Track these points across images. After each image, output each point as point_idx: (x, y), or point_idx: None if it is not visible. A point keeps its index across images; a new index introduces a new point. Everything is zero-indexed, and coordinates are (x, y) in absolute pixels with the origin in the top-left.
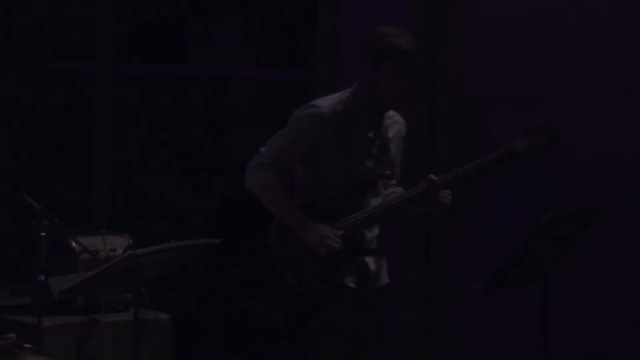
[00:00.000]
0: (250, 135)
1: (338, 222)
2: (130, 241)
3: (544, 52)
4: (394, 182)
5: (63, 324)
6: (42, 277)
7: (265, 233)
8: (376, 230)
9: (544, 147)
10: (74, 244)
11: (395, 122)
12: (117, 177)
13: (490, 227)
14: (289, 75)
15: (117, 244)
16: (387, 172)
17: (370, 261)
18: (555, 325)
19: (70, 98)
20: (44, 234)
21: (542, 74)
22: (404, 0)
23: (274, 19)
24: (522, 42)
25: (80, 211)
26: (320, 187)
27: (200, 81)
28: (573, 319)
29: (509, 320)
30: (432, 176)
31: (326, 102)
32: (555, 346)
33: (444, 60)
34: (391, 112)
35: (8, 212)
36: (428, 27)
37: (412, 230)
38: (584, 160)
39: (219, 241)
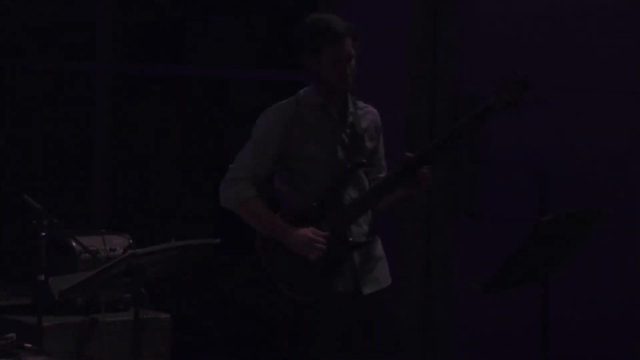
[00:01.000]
0: (251, 135)
1: (322, 223)
2: (130, 241)
3: (544, 52)
4: (382, 175)
5: (63, 324)
6: (42, 277)
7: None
8: (365, 226)
9: (516, 96)
10: (74, 244)
11: (367, 113)
12: (117, 177)
13: (490, 227)
14: (289, 75)
15: (117, 244)
16: (364, 160)
17: (360, 260)
18: (555, 325)
19: (71, 98)
20: (44, 234)
21: (542, 74)
22: (404, 0)
23: (274, 19)
24: (522, 42)
25: (80, 211)
26: (301, 187)
27: (200, 81)
28: (573, 319)
29: (509, 320)
30: (408, 154)
31: (283, 102)
32: (555, 346)
33: (444, 60)
34: (362, 103)
35: (8, 212)
36: (428, 27)
37: (412, 231)
38: (584, 160)
39: (219, 241)
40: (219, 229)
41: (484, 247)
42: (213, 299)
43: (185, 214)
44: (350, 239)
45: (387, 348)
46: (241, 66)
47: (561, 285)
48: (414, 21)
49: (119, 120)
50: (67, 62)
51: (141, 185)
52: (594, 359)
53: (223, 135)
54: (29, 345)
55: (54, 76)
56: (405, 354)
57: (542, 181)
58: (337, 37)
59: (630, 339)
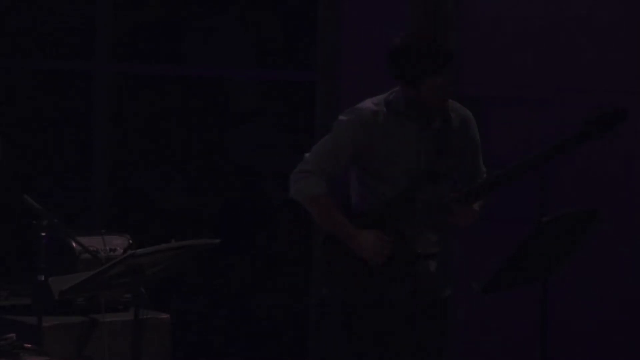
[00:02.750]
0: (250, 135)
1: (389, 228)
2: (130, 241)
3: (544, 52)
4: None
5: (63, 324)
6: (42, 277)
7: (264, 233)
8: (434, 237)
9: (610, 128)
10: (74, 244)
11: (459, 114)
12: (117, 177)
13: (490, 227)
14: (289, 75)
15: (117, 244)
16: (442, 169)
17: (426, 271)
18: (555, 325)
19: (70, 98)
20: (44, 234)
21: (542, 74)
22: (403, 0)
23: (274, 19)
24: (522, 43)
25: (80, 211)
26: (374, 189)
27: (200, 81)
28: (573, 319)
29: (509, 320)
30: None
31: (369, 104)
32: (555, 346)
33: None
34: (456, 104)
35: (8, 212)
36: (428, 26)
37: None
38: (584, 160)
39: (218, 241)
40: (219, 229)
41: (484, 247)
42: (213, 299)
43: (185, 214)
44: (419, 250)
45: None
46: (241, 66)
47: (561, 285)
48: (414, 21)
49: (119, 120)
50: (66, 62)
51: (141, 185)
52: (593, 359)
53: (223, 135)
54: (29, 345)
55: (53, 76)
56: None
57: (542, 181)
58: (444, 65)
59: (630, 339)
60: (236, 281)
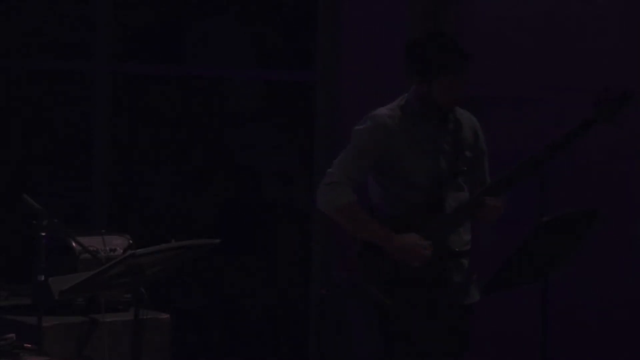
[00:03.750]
0: (251, 135)
1: (423, 230)
2: (130, 241)
3: (544, 52)
4: (483, 183)
5: (63, 324)
6: (42, 277)
7: (264, 233)
8: (465, 236)
9: (615, 111)
10: (74, 244)
11: (467, 119)
12: (117, 177)
13: (491, 227)
14: (289, 75)
15: (117, 244)
16: (464, 168)
17: (459, 276)
18: (555, 325)
19: (70, 98)
20: (44, 234)
21: (542, 74)
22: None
23: (274, 19)
24: (522, 43)
25: (80, 211)
26: (399, 193)
27: (200, 81)
28: (573, 319)
29: (509, 320)
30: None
31: (384, 110)
32: (555, 346)
33: None
34: (461, 110)
35: (8, 212)
36: (428, 26)
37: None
38: (584, 160)
39: (218, 241)
40: (219, 229)
41: (484, 247)
42: (213, 299)
43: (185, 214)
44: (457, 249)
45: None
46: (241, 66)
47: (561, 285)
48: (414, 21)
49: (119, 120)
50: (66, 62)
51: (141, 185)
52: (593, 359)
53: (223, 135)
54: (29, 345)
55: (53, 76)
56: None
57: (542, 181)
58: (459, 65)
59: (630, 339)
60: (236, 281)
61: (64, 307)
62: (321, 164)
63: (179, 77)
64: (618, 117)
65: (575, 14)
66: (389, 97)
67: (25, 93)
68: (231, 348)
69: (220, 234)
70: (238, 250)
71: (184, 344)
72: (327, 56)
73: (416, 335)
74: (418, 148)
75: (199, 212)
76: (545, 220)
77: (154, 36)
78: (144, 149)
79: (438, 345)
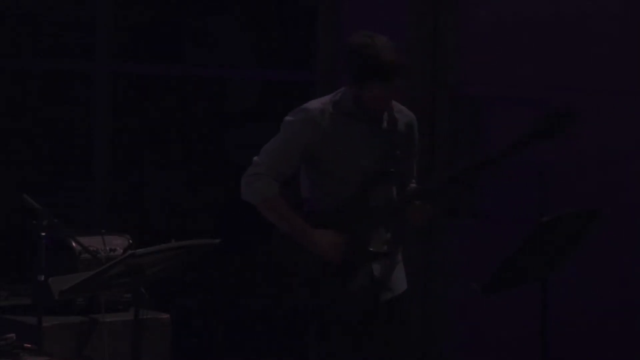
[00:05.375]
0: (250, 135)
1: (343, 227)
2: (130, 241)
3: (544, 52)
4: (413, 182)
5: (63, 324)
6: (42, 277)
7: (265, 234)
8: (387, 235)
9: (554, 127)
10: (74, 244)
11: (404, 117)
12: (117, 177)
13: (490, 227)
14: (289, 75)
15: (117, 244)
16: (392, 169)
17: (379, 268)
18: (555, 325)
19: (70, 98)
20: (44, 234)
21: (542, 74)
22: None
23: (274, 19)
24: (521, 43)
25: (80, 211)
26: (327, 189)
27: (200, 81)
28: (573, 319)
29: (509, 320)
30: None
31: (316, 104)
32: (555, 346)
33: (443, 60)
34: (399, 106)
35: (8, 212)
36: (428, 26)
37: (412, 231)
38: (584, 160)
39: (218, 241)
40: (219, 229)
41: (484, 247)
42: (213, 299)
43: (185, 213)
44: (371, 248)
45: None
46: (241, 66)
47: (561, 285)
48: (414, 21)
49: (119, 120)
50: (66, 62)
51: (141, 185)
52: (593, 359)
53: (223, 135)
54: (29, 345)
55: (53, 76)
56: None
57: (542, 181)
58: (388, 75)
59: (630, 339)
60: (236, 281)
61: (64, 307)
62: None
63: (179, 77)
64: (560, 134)
65: (575, 14)
66: None
67: (25, 93)
68: (231, 348)
69: (220, 233)
70: (238, 250)
71: (184, 344)
72: (327, 56)
73: (337, 329)
74: (348, 145)
75: (199, 212)
76: (545, 220)
77: (154, 36)
78: (144, 149)
79: (351, 335)
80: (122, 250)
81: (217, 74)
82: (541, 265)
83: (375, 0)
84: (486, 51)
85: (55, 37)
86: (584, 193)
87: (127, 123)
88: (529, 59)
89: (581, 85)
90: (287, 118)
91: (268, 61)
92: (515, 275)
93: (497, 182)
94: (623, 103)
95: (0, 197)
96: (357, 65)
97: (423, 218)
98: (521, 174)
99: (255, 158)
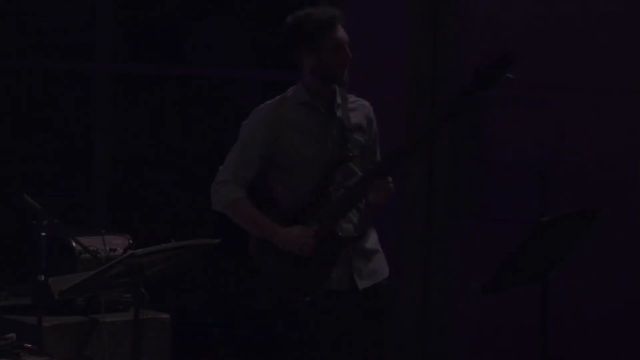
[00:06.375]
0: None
1: (310, 220)
2: (130, 241)
3: (544, 52)
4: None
5: (63, 324)
6: (42, 277)
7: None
8: (355, 220)
9: (496, 75)
10: (74, 244)
11: (360, 107)
12: (117, 177)
13: (490, 227)
14: (289, 75)
15: (117, 244)
16: (352, 154)
17: (356, 257)
18: (555, 325)
19: (70, 98)
20: (44, 234)
21: (542, 74)
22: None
23: (274, 19)
24: (521, 42)
25: (80, 211)
26: (291, 185)
27: (200, 81)
28: (573, 319)
29: (509, 320)
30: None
31: (267, 103)
32: (555, 346)
33: (444, 59)
34: (353, 97)
35: (8, 212)
36: (428, 26)
37: (411, 231)
38: (584, 160)
39: (218, 241)
40: (218, 229)
41: (484, 247)
42: (213, 299)
43: (185, 213)
44: (340, 234)
45: (381, 343)
46: (241, 66)
47: (561, 285)
48: (414, 20)
49: (119, 120)
50: (66, 62)
51: (141, 185)
52: (593, 359)
53: (223, 135)
54: (29, 345)
55: (53, 76)
56: (404, 353)
57: (542, 181)
58: (334, 22)
59: (630, 338)
60: (236, 281)
61: (64, 307)
62: None
63: (179, 77)
64: (499, 83)
65: (575, 14)
66: (388, 96)
67: (25, 93)
68: (231, 348)
69: (220, 233)
70: (238, 250)
71: (184, 344)
72: None
73: (320, 324)
74: (305, 135)
75: (199, 212)
76: (545, 220)
77: (154, 36)
78: (144, 149)
79: (332, 332)
80: (122, 250)
81: (217, 74)
82: (541, 265)
83: (375, 0)
84: (486, 50)
85: (55, 37)
86: (584, 193)
87: (127, 123)
88: (528, 59)
89: (581, 85)
90: (243, 123)
91: (268, 61)
92: (515, 275)
93: (497, 182)
94: (623, 103)
95: (0, 197)
96: (306, 28)
97: (385, 196)
98: (521, 174)
99: (220, 167)
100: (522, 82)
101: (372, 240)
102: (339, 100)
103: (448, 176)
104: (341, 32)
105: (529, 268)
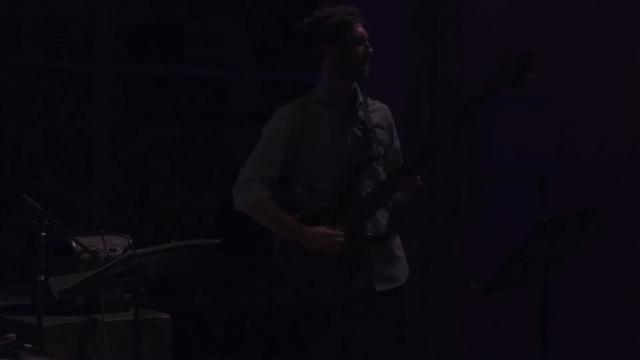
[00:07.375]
0: (250, 135)
1: (336, 221)
2: (130, 241)
3: (544, 52)
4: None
5: (63, 324)
6: (42, 277)
7: (265, 233)
8: (382, 220)
9: (518, 75)
10: (74, 244)
11: (379, 109)
12: (117, 177)
13: (490, 227)
14: (289, 75)
15: (117, 244)
16: (376, 153)
17: (378, 259)
18: (555, 325)
19: (70, 98)
20: (44, 234)
21: (541, 74)
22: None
23: (274, 19)
24: (521, 42)
25: (80, 211)
26: (313, 185)
27: (200, 81)
28: (573, 319)
29: (509, 320)
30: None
31: (288, 105)
32: (555, 346)
33: (444, 60)
34: (371, 100)
35: (8, 213)
36: (428, 26)
37: (411, 230)
38: (584, 160)
39: (218, 241)
40: (219, 229)
41: (484, 247)
42: (213, 298)
43: (185, 214)
44: (368, 233)
45: (394, 347)
46: (241, 66)
47: (561, 285)
48: (414, 20)
49: (119, 120)
50: (66, 62)
51: (141, 185)
52: (593, 359)
53: (223, 135)
54: (29, 345)
55: (53, 76)
56: (404, 353)
57: (542, 181)
58: (354, 18)
59: (630, 338)
60: (236, 281)
61: (64, 307)
62: None
63: (179, 77)
64: (520, 81)
65: (575, 14)
66: (388, 96)
67: (25, 93)
68: (232, 348)
69: (220, 233)
70: (238, 250)
71: (184, 344)
72: None
73: (337, 323)
74: (324, 133)
75: (199, 212)
76: (545, 220)
77: (154, 36)
78: (144, 149)
79: (346, 331)
80: (122, 250)
81: (217, 74)
82: (541, 265)
83: (375, 1)
84: (486, 51)
85: (55, 37)
86: (584, 193)
87: (127, 123)
88: None
89: (581, 85)
90: (265, 125)
91: (268, 61)
92: (515, 275)
93: (497, 182)
94: (623, 103)
95: (0, 197)
96: (323, 29)
97: (415, 191)
98: (521, 174)
99: (241, 168)
100: (522, 82)
101: (397, 244)
102: (360, 98)
103: (448, 176)
104: (362, 28)
105: (529, 268)
